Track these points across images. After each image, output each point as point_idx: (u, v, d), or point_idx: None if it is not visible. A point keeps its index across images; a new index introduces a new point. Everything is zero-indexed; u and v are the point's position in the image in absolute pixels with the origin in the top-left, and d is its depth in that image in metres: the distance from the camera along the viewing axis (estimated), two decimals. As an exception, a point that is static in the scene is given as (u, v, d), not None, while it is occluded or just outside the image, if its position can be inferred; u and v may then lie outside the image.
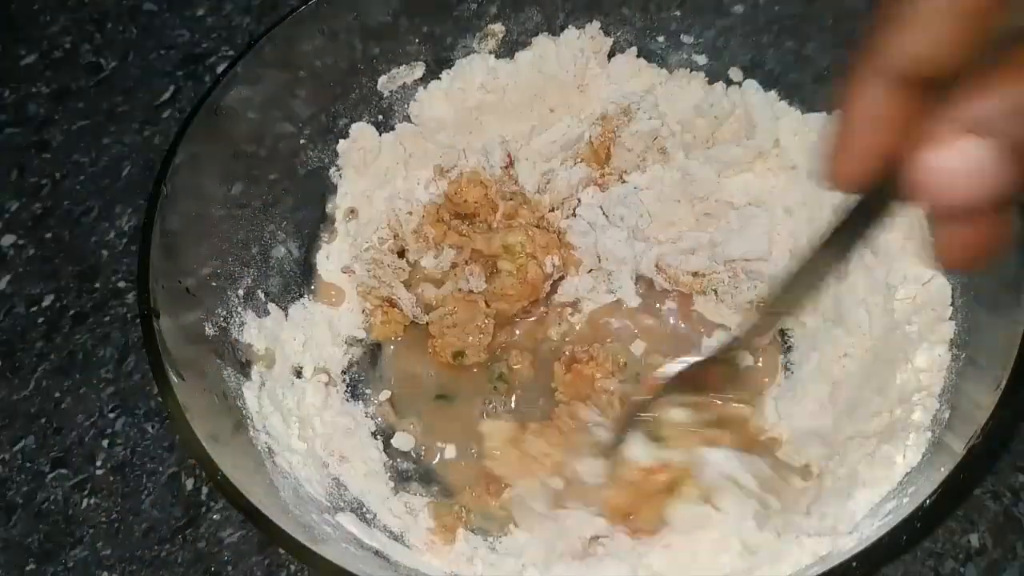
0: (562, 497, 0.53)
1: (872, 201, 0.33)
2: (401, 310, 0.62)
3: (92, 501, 0.60)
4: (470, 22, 0.66)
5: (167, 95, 0.80)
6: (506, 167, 0.65)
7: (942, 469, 0.43)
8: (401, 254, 0.64)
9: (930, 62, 0.29)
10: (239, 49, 0.79)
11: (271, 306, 0.59)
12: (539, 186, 0.66)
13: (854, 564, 0.40)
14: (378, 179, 0.66)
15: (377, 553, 0.49)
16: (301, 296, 0.62)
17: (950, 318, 0.51)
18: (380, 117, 0.66)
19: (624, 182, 0.65)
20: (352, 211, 0.65)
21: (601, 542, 0.52)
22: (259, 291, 0.59)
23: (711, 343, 0.60)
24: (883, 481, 0.47)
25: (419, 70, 0.66)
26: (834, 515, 0.48)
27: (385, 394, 0.61)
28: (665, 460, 0.51)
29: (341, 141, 0.65)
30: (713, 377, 0.54)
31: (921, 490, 0.43)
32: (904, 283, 0.55)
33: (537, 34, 0.67)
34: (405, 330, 0.63)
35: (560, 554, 0.51)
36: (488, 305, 0.61)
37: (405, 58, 0.65)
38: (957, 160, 0.27)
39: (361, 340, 0.63)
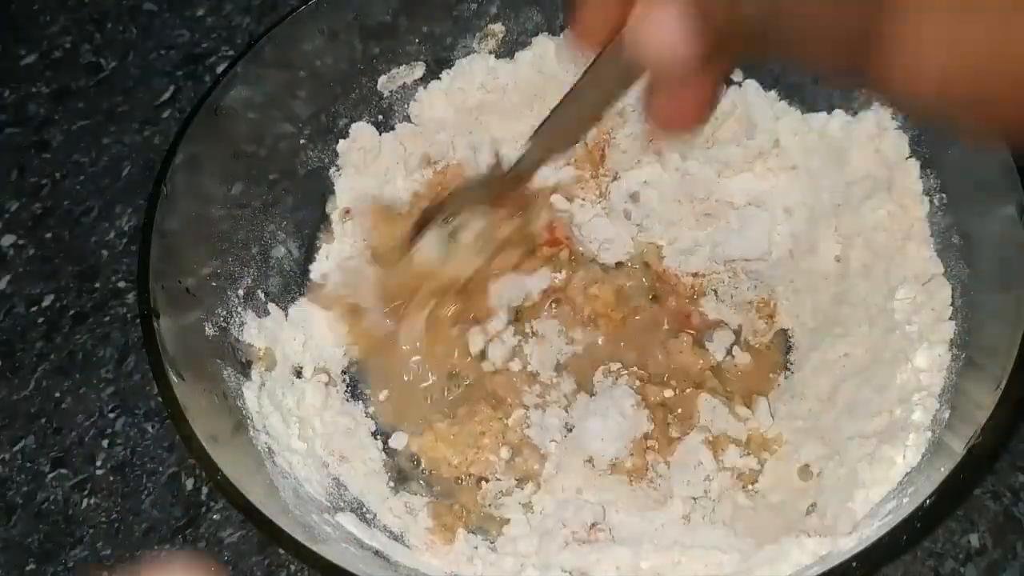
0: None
1: (606, 61, 0.39)
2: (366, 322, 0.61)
3: (92, 501, 0.60)
4: (470, 22, 0.66)
5: (167, 95, 0.80)
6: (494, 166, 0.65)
7: (942, 469, 0.43)
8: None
9: None
10: (239, 49, 0.79)
11: (271, 306, 0.59)
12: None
13: (854, 564, 0.40)
14: (378, 179, 0.66)
15: (377, 553, 0.49)
16: (301, 296, 0.62)
17: (950, 318, 0.51)
18: (380, 117, 0.66)
19: (617, 178, 0.66)
20: (347, 211, 0.65)
21: (601, 527, 0.52)
22: (259, 291, 0.59)
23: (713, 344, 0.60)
24: (883, 481, 0.47)
25: (419, 70, 0.66)
26: (834, 515, 0.48)
27: (384, 394, 0.60)
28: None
29: (341, 141, 0.65)
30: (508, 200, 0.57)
31: (921, 490, 0.43)
32: (904, 283, 0.55)
33: (537, 34, 0.66)
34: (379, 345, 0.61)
35: (561, 544, 0.51)
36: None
37: (405, 58, 0.65)
38: (655, 27, 0.33)
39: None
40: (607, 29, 0.38)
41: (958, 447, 0.43)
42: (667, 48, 0.33)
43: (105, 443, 0.62)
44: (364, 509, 0.54)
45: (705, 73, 0.35)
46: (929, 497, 0.41)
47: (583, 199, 0.66)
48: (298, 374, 0.58)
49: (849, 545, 0.43)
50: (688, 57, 0.33)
